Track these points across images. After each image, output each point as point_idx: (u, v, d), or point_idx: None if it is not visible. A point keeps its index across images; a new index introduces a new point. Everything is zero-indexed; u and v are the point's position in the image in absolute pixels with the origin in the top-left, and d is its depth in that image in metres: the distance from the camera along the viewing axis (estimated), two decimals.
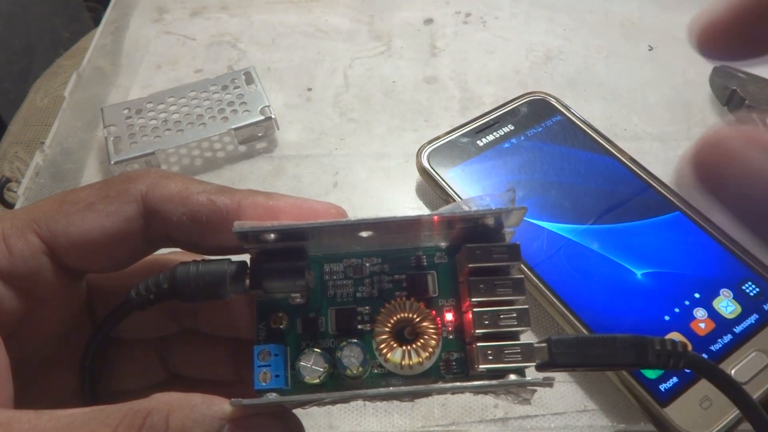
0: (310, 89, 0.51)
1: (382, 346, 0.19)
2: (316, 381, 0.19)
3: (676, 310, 0.34)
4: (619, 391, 0.33)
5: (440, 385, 0.19)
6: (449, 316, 0.20)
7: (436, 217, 0.19)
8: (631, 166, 0.40)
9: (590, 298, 0.34)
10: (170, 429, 0.17)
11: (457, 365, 0.20)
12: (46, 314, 0.22)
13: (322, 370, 0.19)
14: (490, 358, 0.19)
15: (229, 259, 0.21)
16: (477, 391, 0.19)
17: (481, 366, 0.19)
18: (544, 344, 0.19)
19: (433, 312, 0.20)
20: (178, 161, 0.47)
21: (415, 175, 0.43)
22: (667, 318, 0.33)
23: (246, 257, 0.21)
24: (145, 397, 0.18)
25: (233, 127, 0.45)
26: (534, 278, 0.35)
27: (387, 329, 0.19)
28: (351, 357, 0.19)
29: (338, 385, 0.20)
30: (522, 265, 0.35)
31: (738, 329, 0.33)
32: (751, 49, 0.18)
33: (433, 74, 0.52)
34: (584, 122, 0.43)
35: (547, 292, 0.35)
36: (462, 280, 0.20)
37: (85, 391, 0.23)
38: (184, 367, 0.26)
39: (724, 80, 0.47)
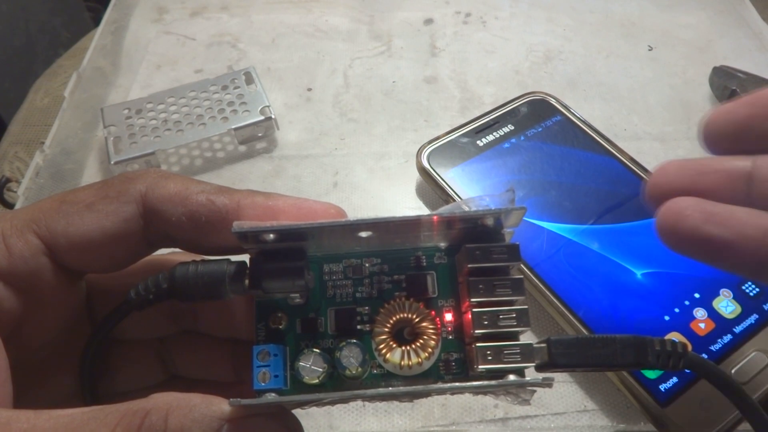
0: (310, 89, 0.51)
1: (382, 346, 0.19)
2: (316, 381, 0.19)
3: (676, 310, 0.34)
4: (619, 391, 0.33)
5: (439, 385, 0.19)
6: (449, 317, 0.20)
7: (435, 218, 0.19)
8: (631, 166, 0.40)
9: (590, 298, 0.34)
10: (169, 429, 0.17)
11: (456, 366, 0.20)
12: (46, 314, 0.22)
13: (321, 370, 0.19)
14: (490, 358, 0.19)
15: (228, 259, 0.21)
16: (476, 391, 0.19)
17: (480, 366, 0.19)
18: (543, 344, 0.19)
19: (433, 312, 0.20)
20: (178, 161, 0.47)
21: (415, 175, 0.43)
22: (667, 318, 0.33)
23: (245, 257, 0.21)
24: (144, 397, 0.18)
25: (233, 127, 0.45)
26: (534, 278, 0.35)
27: (386, 329, 0.19)
28: (350, 357, 0.19)
29: (337, 385, 0.20)
30: (522, 265, 0.35)
31: (738, 329, 0.33)
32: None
33: (433, 74, 0.52)
34: (584, 122, 0.43)
35: (547, 292, 0.35)
36: (461, 281, 0.20)
37: (85, 392, 0.23)
38: (183, 368, 0.26)
39: (724, 80, 0.47)
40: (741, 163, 0.22)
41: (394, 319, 0.20)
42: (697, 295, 0.34)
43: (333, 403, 0.21)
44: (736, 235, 0.20)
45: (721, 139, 0.23)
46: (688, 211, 0.21)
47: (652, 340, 0.20)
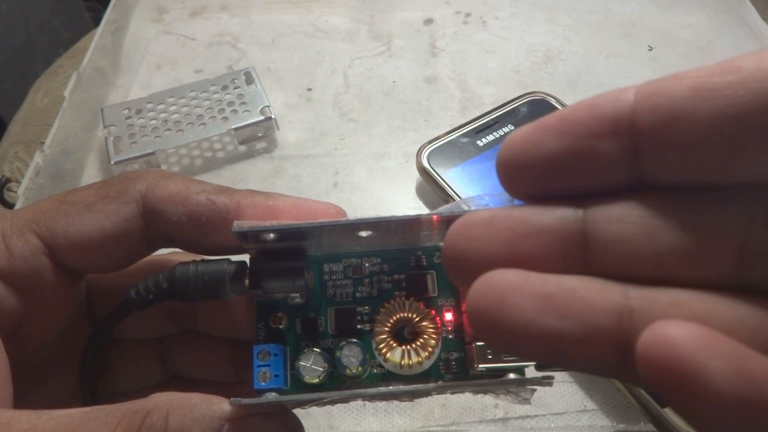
0: (310, 89, 0.51)
1: (382, 345, 0.19)
2: (316, 381, 0.19)
3: None
4: (619, 391, 0.33)
5: (440, 384, 0.19)
6: (449, 316, 0.20)
7: (435, 217, 0.19)
8: None
9: None
10: (169, 428, 0.17)
11: (456, 365, 0.20)
12: (46, 314, 0.22)
13: (321, 369, 0.19)
14: (490, 357, 0.19)
15: (228, 259, 0.21)
16: (476, 390, 0.19)
17: (480, 365, 0.19)
18: None
19: (433, 312, 0.20)
20: (178, 161, 0.47)
21: (415, 175, 0.43)
22: None
23: (245, 257, 0.21)
24: (144, 397, 0.18)
25: (233, 127, 0.45)
26: None
27: (386, 329, 0.19)
28: (350, 357, 0.19)
29: (338, 384, 0.20)
30: None
31: None
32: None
33: (433, 74, 0.52)
34: None
35: None
36: None
37: (85, 392, 0.23)
38: (183, 368, 0.26)
39: None
40: (570, 215, 0.15)
41: (394, 318, 0.20)
42: None
43: (333, 402, 0.21)
44: (584, 327, 0.14)
45: (528, 183, 0.16)
46: (514, 296, 0.14)
47: None
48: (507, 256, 0.15)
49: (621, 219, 0.15)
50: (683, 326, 0.13)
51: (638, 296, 0.14)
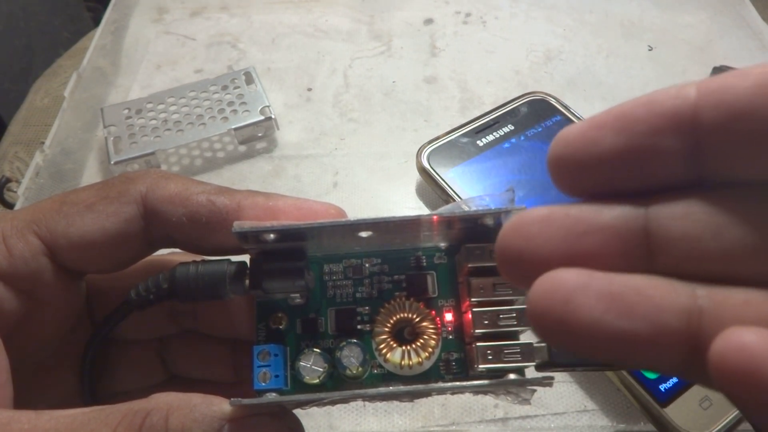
0: (310, 89, 0.51)
1: (382, 346, 0.19)
2: (316, 381, 0.19)
3: None
4: (619, 391, 0.33)
5: (440, 384, 0.19)
6: (449, 317, 0.20)
7: (435, 217, 0.19)
8: None
9: None
10: (170, 429, 0.17)
11: (456, 365, 0.20)
12: (46, 315, 0.22)
13: (321, 370, 0.19)
14: (490, 357, 0.19)
15: (228, 260, 0.21)
16: (476, 391, 0.19)
17: (480, 366, 0.19)
18: (543, 344, 0.19)
19: (433, 312, 0.20)
20: (178, 161, 0.47)
21: (415, 175, 0.43)
22: None
23: (246, 258, 0.21)
24: (144, 397, 0.18)
25: (233, 127, 0.45)
26: None
27: (386, 329, 0.19)
28: (350, 357, 0.19)
29: (338, 385, 0.20)
30: None
31: None
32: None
33: (433, 74, 0.52)
34: None
35: None
36: (461, 281, 0.20)
37: (85, 392, 0.23)
38: (183, 368, 0.26)
39: None
40: (630, 212, 0.15)
41: (394, 318, 0.20)
42: None
43: (333, 403, 0.21)
44: (653, 327, 0.14)
45: (585, 181, 0.15)
46: (579, 295, 0.14)
47: None
48: (566, 255, 0.15)
49: (685, 216, 0.14)
50: (758, 333, 0.12)
51: (706, 295, 0.14)
